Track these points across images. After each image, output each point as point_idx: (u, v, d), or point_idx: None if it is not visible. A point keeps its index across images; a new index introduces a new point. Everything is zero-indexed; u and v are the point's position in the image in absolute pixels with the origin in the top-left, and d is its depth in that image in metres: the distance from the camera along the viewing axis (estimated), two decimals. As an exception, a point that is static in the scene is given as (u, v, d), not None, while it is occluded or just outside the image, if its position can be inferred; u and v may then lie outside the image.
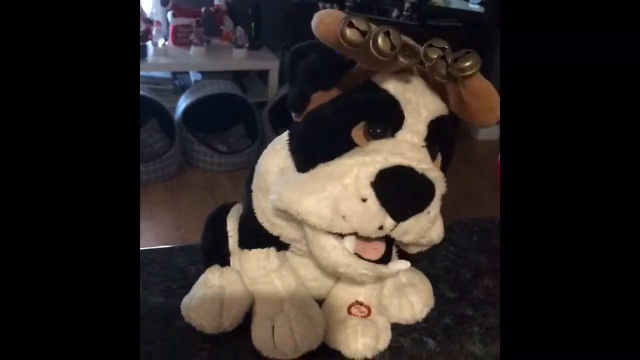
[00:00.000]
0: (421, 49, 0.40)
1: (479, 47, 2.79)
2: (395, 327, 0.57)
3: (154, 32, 2.66)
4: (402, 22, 2.76)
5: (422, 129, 0.44)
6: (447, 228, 0.76)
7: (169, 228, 2.04)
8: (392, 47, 0.37)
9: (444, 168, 0.47)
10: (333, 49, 0.43)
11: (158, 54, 2.60)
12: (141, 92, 2.32)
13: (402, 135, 0.44)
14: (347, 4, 2.88)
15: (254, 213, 0.53)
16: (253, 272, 0.56)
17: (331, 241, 0.45)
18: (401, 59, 0.39)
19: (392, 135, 0.44)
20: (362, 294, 0.56)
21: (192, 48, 2.65)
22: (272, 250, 0.55)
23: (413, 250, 0.48)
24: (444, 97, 0.45)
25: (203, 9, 2.78)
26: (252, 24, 2.80)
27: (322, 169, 0.44)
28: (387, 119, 0.44)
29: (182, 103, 2.44)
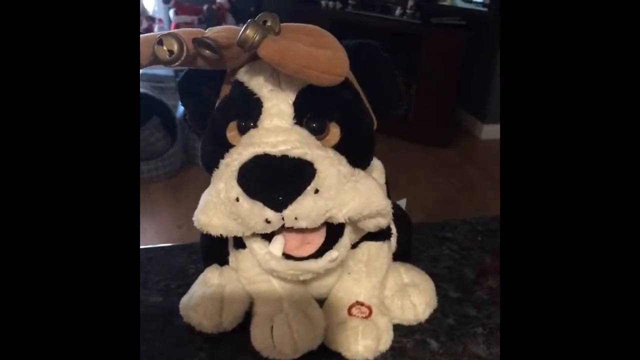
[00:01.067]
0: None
1: (483, 45, 2.78)
2: (398, 328, 0.56)
3: (155, 29, 2.66)
4: (406, 20, 2.75)
5: (286, 109, 0.44)
6: (451, 227, 0.77)
7: (171, 226, 2.03)
8: (170, 53, 0.39)
9: (356, 138, 0.46)
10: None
11: (160, 51, 2.59)
12: (143, 90, 2.31)
13: (264, 122, 0.44)
14: (350, 2, 2.87)
15: None
16: (249, 272, 0.55)
17: (258, 244, 0.46)
18: (202, 55, 0.41)
19: (256, 125, 0.44)
20: (362, 294, 0.55)
21: (195, 46, 2.64)
22: None
23: (370, 224, 0.46)
24: None
25: (205, 7, 2.77)
26: (255, 21, 2.79)
27: (212, 178, 0.46)
28: (246, 110, 0.45)
29: (184, 101, 2.43)
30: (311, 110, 0.44)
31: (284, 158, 0.41)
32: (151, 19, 2.72)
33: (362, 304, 0.55)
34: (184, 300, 0.56)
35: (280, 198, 0.41)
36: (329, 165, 0.42)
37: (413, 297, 0.57)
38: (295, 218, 0.41)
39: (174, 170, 2.34)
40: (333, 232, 0.46)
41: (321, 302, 0.56)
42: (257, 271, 0.54)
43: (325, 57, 0.39)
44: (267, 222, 0.41)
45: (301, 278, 0.47)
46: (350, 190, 0.43)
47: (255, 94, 0.44)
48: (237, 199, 0.42)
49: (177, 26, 2.67)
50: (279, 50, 0.38)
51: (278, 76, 0.44)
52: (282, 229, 0.44)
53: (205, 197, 0.45)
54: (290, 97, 0.44)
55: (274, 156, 0.41)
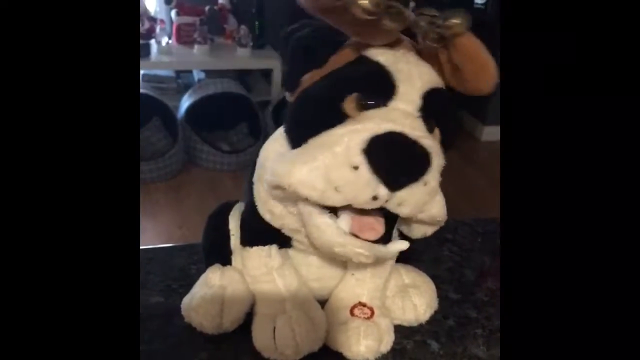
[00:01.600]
0: (409, 12, 0.40)
1: (485, 46, 2.78)
2: (398, 329, 0.56)
3: (157, 30, 2.66)
4: (407, 21, 2.75)
5: (416, 99, 0.43)
6: (451, 229, 0.77)
7: (171, 227, 2.03)
8: (377, 4, 0.37)
9: (443, 146, 0.46)
10: (324, 26, 0.43)
11: (162, 52, 2.60)
12: (144, 91, 2.31)
13: (395, 104, 0.43)
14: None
15: (255, 206, 0.52)
16: (255, 270, 0.55)
17: (325, 219, 0.43)
18: (387, 21, 0.38)
19: (385, 105, 0.43)
20: (364, 295, 0.55)
21: (196, 47, 2.64)
22: (273, 247, 0.54)
23: (417, 231, 0.47)
24: (437, 71, 0.45)
25: (207, 8, 2.77)
26: (256, 22, 2.79)
27: (314, 141, 0.43)
28: (378, 89, 0.43)
29: (186, 102, 2.44)
30: (433, 108, 0.44)
31: (416, 143, 0.40)
32: (153, 20, 2.72)
33: (364, 305, 0.55)
34: (186, 300, 0.56)
35: (403, 179, 0.40)
36: (439, 162, 0.42)
37: (414, 298, 0.57)
38: (399, 204, 0.41)
39: (174, 170, 2.34)
40: (390, 223, 0.45)
41: (323, 303, 0.56)
42: (263, 271, 0.54)
43: (494, 65, 0.42)
44: (374, 198, 0.40)
45: (363, 260, 0.44)
46: (440, 192, 0.44)
47: (391, 77, 0.43)
48: (357, 168, 0.40)
49: (179, 27, 2.68)
50: (478, 45, 0.41)
51: (414, 68, 0.44)
52: (348, 210, 0.44)
53: (307, 154, 0.42)
54: (421, 91, 0.44)
55: (410, 138, 0.40)
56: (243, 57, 2.70)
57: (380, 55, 0.44)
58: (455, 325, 0.59)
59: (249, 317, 0.55)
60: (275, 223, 0.51)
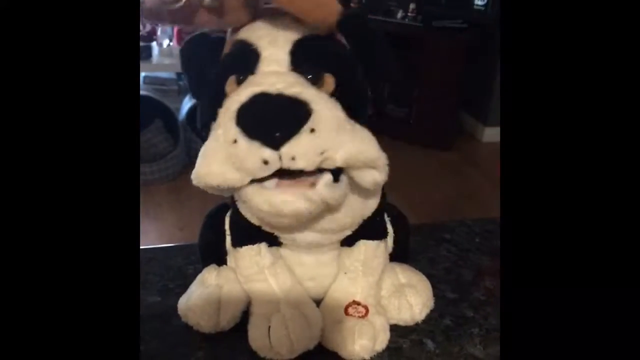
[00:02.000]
0: None
1: (484, 47, 2.78)
2: (394, 328, 0.56)
3: (159, 32, 2.66)
4: (407, 23, 2.75)
5: (282, 56, 0.45)
6: (449, 229, 0.77)
7: (173, 228, 2.04)
8: None
9: (379, 77, 0.47)
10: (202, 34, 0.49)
11: (163, 54, 2.60)
12: (146, 93, 2.32)
13: (261, 68, 0.45)
14: (352, 4, 2.88)
15: (237, 207, 0.53)
16: (246, 270, 0.55)
17: (251, 188, 0.44)
18: (202, 4, 0.43)
19: (253, 73, 0.45)
20: (358, 293, 0.55)
21: (197, 49, 2.65)
22: (263, 246, 0.55)
23: (367, 177, 0.45)
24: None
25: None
26: (257, 24, 2.79)
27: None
28: (244, 62, 0.45)
29: (187, 103, 2.44)
30: (306, 58, 0.45)
31: (281, 96, 0.41)
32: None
33: (358, 304, 0.55)
34: (182, 300, 0.56)
35: (277, 134, 0.40)
36: (325, 106, 0.42)
37: (410, 298, 0.57)
38: (292, 158, 0.41)
39: (176, 172, 2.34)
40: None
41: (318, 302, 0.56)
42: (255, 270, 0.55)
43: None
44: (265, 162, 0.41)
45: (301, 209, 0.44)
46: (347, 133, 0.43)
47: (253, 46, 0.45)
48: (235, 141, 0.41)
49: (180, 29, 2.68)
50: None
51: (276, 31, 0.45)
52: (278, 181, 0.44)
53: (203, 149, 0.45)
54: (287, 47, 0.45)
55: (272, 94, 0.41)
56: (244, 59, 2.70)
57: (241, 34, 0.47)
58: (452, 325, 0.59)
59: (246, 316, 0.55)
60: (254, 219, 0.52)
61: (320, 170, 0.43)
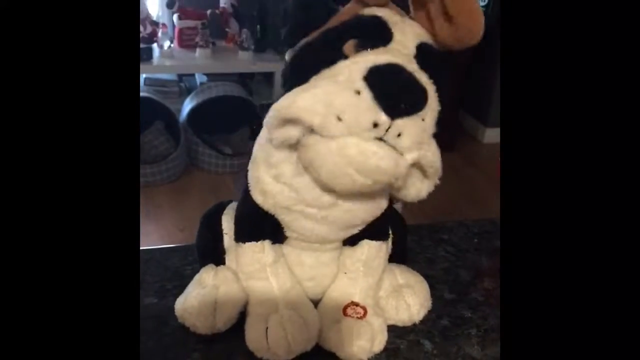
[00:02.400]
0: None
1: (486, 48, 2.78)
2: (392, 329, 0.56)
3: (159, 34, 2.67)
4: (408, 24, 2.75)
5: (411, 46, 0.45)
6: (447, 229, 0.77)
7: (173, 229, 2.04)
8: None
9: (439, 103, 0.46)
10: None
11: (164, 56, 2.61)
12: (147, 94, 2.32)
13: (393, 46, 0.44)
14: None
15: (249, 192, 0.53)
16: (248, 267, 0.55)
17: (332, 144, 0.42)
18: None
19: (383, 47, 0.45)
20: (357, 294, 0.55)
21: (198, 50, 2.65)
22: (266, 243, 0.54)
23: (412, 189, 0.46)
24: (427, 28, 0.46)
25: (209, 12, 2.78)
26: (258, 26, 2.80)
27: (316, 78, 0.44)
28: (376, 34, 0.45)
29: (188, 105, 2.44)
30: (426, 61, 0.45)
31: (413, 75, 0.41)
32: (155, 24, 2.73)
33: (356, 305, 0.55)
34: (179, 301, 0.56)
35: (403, 106, 0.40)
36: (434, 105, 0.43)
37: (407, 298, 0.57)
38: (399, 134, 0.41)
39: (176, 173, 2.34)
40: None
41: (316, 302, 0.56)
42: (256, 267, 0.54)
43: (481, 11, 0.44)
44: (375, 125, 0.40)
45: (384, 167, 0.42)
46: (433, 139, 0.44)
47: (388, 25, 0.45)
48: (359, 92, 0.40)
49: (181, 31, 2.69)
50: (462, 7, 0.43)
51: (406, 24, 0.46)
52: None
53: (308, 85, 0.43)
54: (414, 43, 0.45)
55: (407, 70, 0.41)
56: (245, 61, 2.71)
57: (375, 12, 0.46)
58: (450, 325, 0.59)
59: (242, 316, 0.55)
60: (267, 203, 0.51)
61: None
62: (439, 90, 0.45)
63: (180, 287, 0.58)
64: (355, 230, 0.54)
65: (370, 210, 0.52)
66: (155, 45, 2.65)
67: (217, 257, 0.58)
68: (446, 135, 2.87)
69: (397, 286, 0.59)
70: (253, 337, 0.52)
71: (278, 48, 2.86)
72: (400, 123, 0.40)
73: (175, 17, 2.72)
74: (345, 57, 0.44)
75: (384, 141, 0.41)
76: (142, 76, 2.77)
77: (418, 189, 0.46)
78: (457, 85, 2.71)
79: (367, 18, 0.46)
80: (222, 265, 0.58)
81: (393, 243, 0.61)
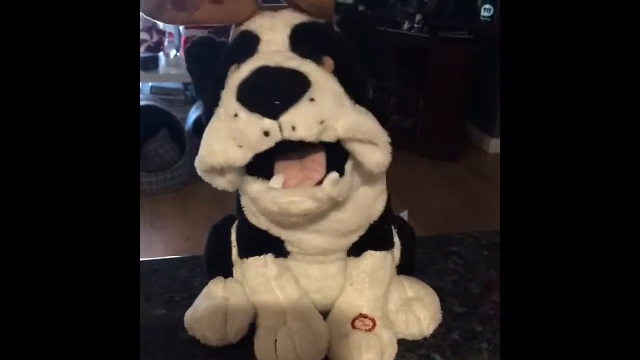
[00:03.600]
0: None
1: (490, 58, 2.78)
2: (402, 343, 0.56)
3: (166, 43, 2.69)
4: (414, 34, 2.76)
5: (282, 39, 0.45)
6: (456, 241, 0.77)
7: (178, 238, 2.04)
8: None
9: (348, 74, 0.46)
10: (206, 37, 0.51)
11: (170, 64, 2.62)
12: (152, 103, 2.33)
13: (260, 49, 0.45)
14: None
15: (244, 214, 0.53)
16: (252, 281, 0.55)
17: (257, 185, 0.45)
18: None
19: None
20: (365, 306, 0.55)
21: (204, 59, 2.67)
22: (269, 257, 0.54)
23: (371, 158, 0.45)
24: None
25: (215, 21, 2.80)
26: (264, 35, 2.81)
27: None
28: (246, 48, 0.45)
29: (193, 113, 2.45)
30: (305, 41, 0.45)
31: (280, 68, 0.41)
32: (161, 33, 2.74)
33: (365, 317, 0.55)
34: (189, 313, 0.56)
35: (277, 102, 0.41)
36: (325, 78, 0.43)
37: (417, 312, 0.57)
38: (293, 127, 0.41)
39: (182, 182, 2.35)
40: (333, 167, 0.45)
41: (324, 314, 0.56)
42: (261, 281, 0.54)
43: None
44: (266, 134, 0.41)
45: (307, 209, 0.44)
46: (346, 107, 0.43)
47: (254, 33, 0.46)
48: (236, 115, 0.41)
49: (187, 40, 2.70)
50: None
51: (275, 19, 0.46)
52: (282, 167, 0.45)
53: (206, 132, 0.45)
54: (286, 32, 0.45)
55: (271, 67, 0.42)
56: (250, 70, 2.72)
57: (244, 25, 0.47)
58: (460, 339, 0.58)
59: (253, 328, 0.54)
60: (261, 224, 0.52)
61: (323, 144, 0.43)
62: (337, 55, 0.45)
63: (189, 298, 0.58)
64: (355, 237, 0.54)
65: (363, 215, 0.53)
66: (161, 54, 2.66)
67: (225, 269, 0.58)
68: (451, 145, 2.87)
69: (406, 299, 0.58)
70: (262, 349, 0.52)
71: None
72: (287, 118, 0.41)
73: (181, 26, 2.74)
74: None
75: (288, 141, 0.42)
76: (148, 85, 2.79)
77: (377, 160, 0.45)
78: (462, 96, 2.72)
79: (236, 37, 0.47)
80: (230, 277, 0.58)
81: (402, 254, 0.60)
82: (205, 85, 0.50)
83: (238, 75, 0.43)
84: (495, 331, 0.60)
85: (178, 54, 2.72)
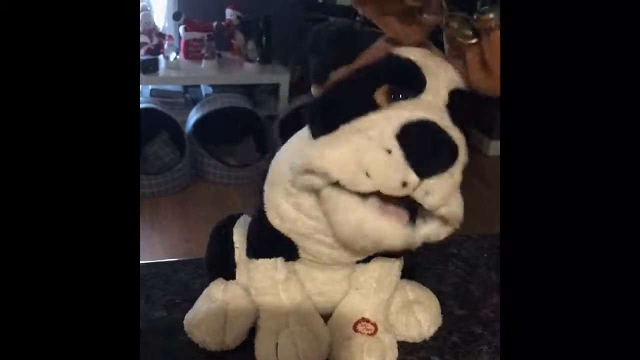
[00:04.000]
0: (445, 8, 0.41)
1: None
2: (402, 346, 0.56)
3: (166, 46, 2.69)
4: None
5: (444, 93, 0.44)
6: (457, 244, 0.77)
7: (179, 241, 2.04)
8: None
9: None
10: (352, 25, 0.46)
11: (170, 67, 2.63)
12: (152, 105, 2.33)
13: (425, 97, 0.43)
14: (357, 18, 2.89)
15: (264, 213, 0.52)
16: (259, 283, 0.54)
17: (356, 199, 0.42)
18: (427, 14, 0.41)
19: (415, 97, 0.43)
20: (368, 310, 0.55)
21: (204, 62, 2.67)
22: (279, 260, 0.53)
23: (431, 232, 0.45)
24: (461, 73, 0.45)
25: (215, 23, 2.81)
26: (263, 38, 2.82)
27: (345, 128, 0.43)
28: (409, 81, 0.44)
29: (193, 116, 2.45)
30: (457, 109, 0.44)
31: (445, 132, 0.40)
32: (161, 36, 2.75)
33: (367, 321, 0.54)
34: (189, 316, 0.56)
35: (433, 166, 0.40)
36: (463, 157, 0.42)
37: (418, 315, 0.57)
38: (427, 192, 0.40)
39: (182, 184, 2.35)
40: (413, 213, 0.45)
41: (326, 317, 0.56)
42: (268, 283, 0.54)
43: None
44: (404, 185, 0.40)
45: (390, 244, 0.43)
46: (458, 192, 0.44)
47: (421, 70, 0.44)
48: (390, 151, 0.40)
49: (187, 43, 2.70)
50: (492, 54, 0.40)
51: (438, 66, 0.45)
52: (380, 203, 0.43)
53: (341, 137, 0.42)
54: (447, 89, 0.44)
55: (441, 128, 0.40)
56: (250, 72, 2.73)
57: (408, 53, 0.45)
58: (460, 342, 0.58)
59: (252, 333, 0.54)
60: (284, 228, 0.51)
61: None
62: (466, 135, 0.44)
63: (190, 300, 0.58)
64: (371, 253, 0.53)
65: None
66: (161, 57, 2.67)
67: (227, 271, 0.58)
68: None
69: (407, 302, 0.58)
70: (263, 352, 0.51)
71: (283, 60, 2.87)
72: (430, 182, 0.40)
73: (181, 29, 2.75)
74: (377, 106, 0.43)
75: (412, 199, 0.41)
76: (148, 87, 2.79)
77: (437, 233, 0.45)
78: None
79: (399, 61, 0.44)
80: (231, 280, 0.58)
81: (404, 258, 0.60)
82: (336, 68, 0.47)
83: (405, 113, 0.41)
84: (496, 333, 0.60)
85: (178, 57, 2.72)
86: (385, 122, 0.41)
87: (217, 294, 0.56)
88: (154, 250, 1.95)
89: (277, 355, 0.50)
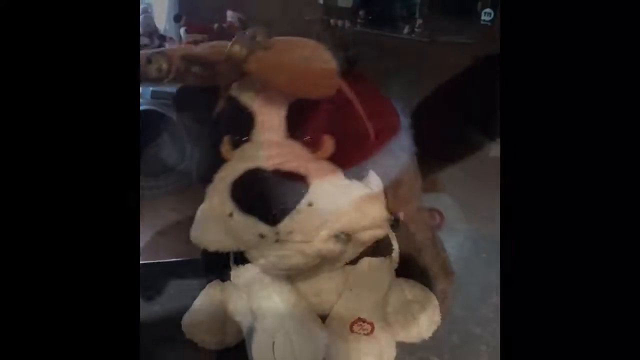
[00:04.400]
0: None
1: (491, 63, 2.78)
2: (401, 346, 0.55)
3: (166, 47, 2.69)
4: (414, 38, 2.76)
5: (277, 122, 0.43)
6: (456, 244, 0.76)
7: (178, 242, 2.03)
8: (159, 71, 0.41)
9: (350, 148, 0.45)
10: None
11: (171, 69, 2.62)
12: (153, 107, 2.33)
13: (256, 136, 0.44)
14: (358, 20, 2.89)
15: None
16: (249, 287, 0.54)
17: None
18: (192, 72, 0.43)
19: (249, 139, 0.44)
20: (363, 310, 0.55)
21: (205, 63, 2.67)
22: None
23: (362, 238, 0.46)
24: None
25: (215, 25, 2.80)
26: (264, 40, 2.81)
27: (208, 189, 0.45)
28: (238, 125, 0.44)
29: (194, 118, 2.45)
30: (303, 123, 0.44)
31: (277, 172, 0.41)
32: (162, 38, 2.75)
33: (363, 321, 0.54)
34: (187, 316, 0.56)
35: (275, 213, 0.40)
36: (324, 178, 0.42)
37: (416, 315, 0.57)
38: (290, 232, 0.41)
39: (182, 186, 2.34)
40: None
41: (323, 318, 0.55)
42: (259, 286, 0.54)
43: (315, 71, 0.40)
44: (262, 236, 0.41)
45: (293, 262, 0.45)
46: (347, 201, 0.43)
47: (247, 109, 0.44)
48: (231, 214, 0.41)
49: (189, 42, 2.70)
50: (266, 66, 0.39)
51: (270, 91, 0.44)
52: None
53: (200, 212, 0.45)
54: (282, 111, 0.44)
55: (267, 170, 0.41)
56: (251, 74, 2.72)
57: (236, 90, 0.45)
58: (459, 342, 0.58)
59: (250, 331, 0.54)
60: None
61: None
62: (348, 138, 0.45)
63: (188, 301, 0.58)
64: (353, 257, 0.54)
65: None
66: (162, 59, 2.66)
67: (223, 272, 0.58)
68: (450, 148, 2.87)
69: (405, 302, 0.58)
70: (260, 352, 0.51)
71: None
72: (285, 224, 0.41)
73: (182, 30, 2.74)
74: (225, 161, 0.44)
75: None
76: (149, 89, 2.79)
77: (373, 234, 0.47)
78: (462, 99, 2.72)
79: (228, 108, 0.46)
80: (228, 281, 0.58)
81: (401, 257, 0.60)
82: (196, 131, 0.51)
83: (233, 171, 0.42)
84: (494, 334, 0.60)
85: (179, 58, 2.72)
86: (220, 185, 0.42)
87: (214, 295, 0.56)
88: (154, 251, 1.95)
89: (274, 355, 0.50)
